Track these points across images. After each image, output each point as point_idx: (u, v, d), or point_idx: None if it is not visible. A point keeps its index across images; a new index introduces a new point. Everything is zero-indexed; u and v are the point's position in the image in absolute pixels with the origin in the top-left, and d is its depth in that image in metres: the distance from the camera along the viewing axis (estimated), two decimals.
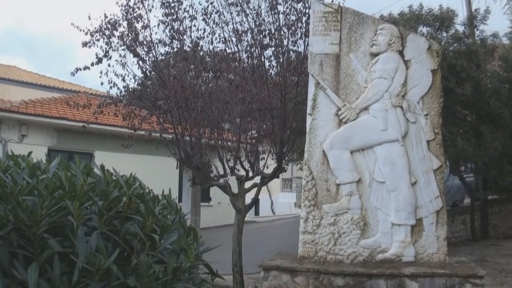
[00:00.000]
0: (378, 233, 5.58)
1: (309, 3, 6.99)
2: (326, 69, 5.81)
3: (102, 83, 9.05)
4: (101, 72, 9.01)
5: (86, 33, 8.72)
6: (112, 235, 2.21)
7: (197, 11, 8.43)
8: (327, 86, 5.76)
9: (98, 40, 8.68)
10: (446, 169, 13.38)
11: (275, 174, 8.13)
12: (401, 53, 5.78)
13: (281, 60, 7.58)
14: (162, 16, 8.53)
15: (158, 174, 14.30)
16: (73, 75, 8.97)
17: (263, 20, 7.77)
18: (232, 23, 8.07)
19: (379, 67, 5.69)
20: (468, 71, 9.97)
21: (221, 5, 8.15)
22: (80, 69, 8.89)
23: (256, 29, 7.69)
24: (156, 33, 10.38)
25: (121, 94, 9.40)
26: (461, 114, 11.30)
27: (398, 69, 5.70)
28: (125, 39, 8.63)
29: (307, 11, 7.39)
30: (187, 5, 8.48)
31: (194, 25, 8.61)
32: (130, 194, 2.49)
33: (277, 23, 7.50)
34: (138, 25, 8.64)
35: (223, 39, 8.32)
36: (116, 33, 8.65)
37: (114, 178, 2.65)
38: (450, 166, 14.54)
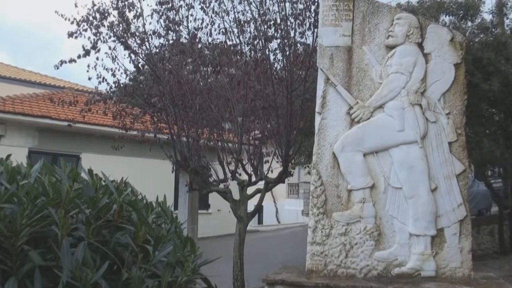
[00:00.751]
0: (394, 245, 5.56)
1: None
2: (337, 63, 5.82)
3: (89, 78, 9.13)
4: (88, 66, 9.08)
5: (72, 23, 8.76)
6: (101, 247, 2.23)
7: None
8: (338, 82, 5.77)
9: (86, 30, 8.72)
10: (471, 174, 13.36)
11: (280, 178, 8.17)
12: (420, 45, 5.76)
13: (287, 53, 7.61)
14: (156, 4, 8.58)
15: (152, 178, 14.38)
16: (57, 68, 9.03)
17: (268, 9, 7.81)
18: (234, 12, 8.13)
19: (395, 61, 5.69)
20: (496, 64, 9.92)
21: None
22: (65, 62, 8.94)
23: (260, 19, 7.72)
24: (149, 23, 10.39)
25: (111, 90, 9.46)
26: (487, 112, 11.26)
27: (416, 63, 5.69)
28: (115, 30, 8.67)
29: None
30: None
31: (192, 15, 8.67)
32: (121, 201, 2.51)
33: (283, 12, 7.53)
34: (130, 15, 8.69)
35: (224, 30, 8.36)
36: (106, 23, 8.70)
37: (103, 183, 2.66)
38: (475, 171, 14.50)
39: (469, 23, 10.91)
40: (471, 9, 10.72)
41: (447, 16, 10.86)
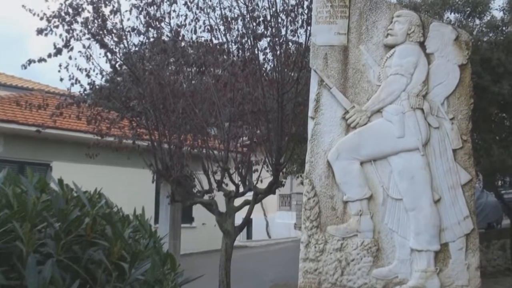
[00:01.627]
0: (394, 261, 5.58)
1: None
2: (332, 63, 5.85)
3: (61, 79, 9.12)
4: (60, 66, 9.07)
5: (42, 18, 8.75)
6: (71, 264, 2.22)
7: None
8: (332, 84, 5.80)
9: (57, 27, 8.72)
10: (479, 183, 13.44)
11: (270, 189, 8.20)
12: (422, 44, 5.79)
13: (278, 52, 7.65)
14: None
15: (130, 189, 14.34)
16: (25, 68, 8.97)
17: (257, 5, 7.86)
18: (220, 8, 8.17)
19: (395, 62, 5.72)
20: (507, 65, 9.96)
21: None
22: (34, 62, 8.90)
23: (248, 15, 7.76)
24: (128, 19, 10.45)
25: (85, 92, 9.46)
26: (497, 117, 11.33)
27: (418, 64, 5.73)
28: (90, 26, 8.68)
29: None
30: None
31: (174, 11, 8.72)
32: (94, 214, 2.51)
33: (273, 9, 7.59)
34: (106, 10, 8.72)
35: (209, 27, 8.41)
36: (79, 19, 8.70)
37: (75, 194, 2.67)
38: (484, 180, 14.56)
39: (477, 21, 10.98)
40: (479, 6, 10.78)
41: (452, 14, 10.94)
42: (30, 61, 8.96)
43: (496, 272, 13.04)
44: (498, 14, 11.28)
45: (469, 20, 10.87)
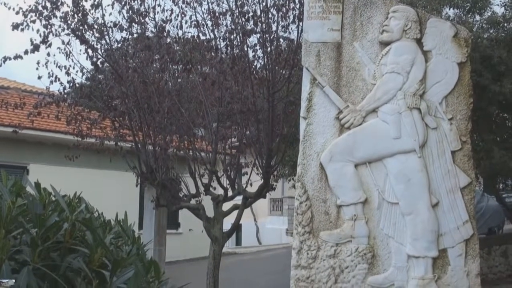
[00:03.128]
0: (390, 268, 5.60)
1: None
2: (325, 61, 5.86)
3: (39, 77, 9.07)
4: (38, 63, 9.03)
5: (17, 13, 8.71)
6: (49, 272, 2.22)
7: None
8: (325, 82, 5.81)
9: (34, 21, 8.68)
10: (479, 187, 13.52)
11: (261, 193, 8.21)
12: (419, 41, 5.82)
13: (268, 49, 7.66)
14: None
15: (112, 193, 14.31)
16: (0, 65, 8.95)
17: None
18: (207, 3, 8.17)
19: (391, 59, 5.74)
20: (508, 63, 10.00)
21: None
22: (10, 59, 8.87)
23: (237, 10, 7.77)
24: (110, 14, 10.37)
25: (65, 91, 9.42)
26: (498, 117, 11.39)
27: (415, 62, 5.75)
28: (69, 21, 8.65)
29: None
30: None
31: (159, 5, 8.73)
32: (74, 219, 2.52)
33: (263, 3, 7.60)
34: (87, 4, 8.70)
35: (196, 22, 8.39)
36: (58, 14, 8.67)
37: (53, 198, 2.67)
38: (484, 184, 14.67)
39: (477, 17, 11.03)
40: (479, 1, 10.81)
41: (451, 9, 10.98)
42: (6, 58, 8.92)
43: (498, 279, 13.09)
44: (500, 10, 11.34)
45: (469, 16, 10.93)
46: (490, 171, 11.54)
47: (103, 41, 8.88)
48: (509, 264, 13.83)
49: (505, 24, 10.96)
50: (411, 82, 5.71)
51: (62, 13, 8.64)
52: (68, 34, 8.80)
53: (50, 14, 8.61)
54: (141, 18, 8.62)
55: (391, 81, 5.71)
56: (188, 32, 8.70)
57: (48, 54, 8.91)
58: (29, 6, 8.62)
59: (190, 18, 8.50)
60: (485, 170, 11.23)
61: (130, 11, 8.58)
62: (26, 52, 8.61)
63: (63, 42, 8.94)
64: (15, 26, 8.65)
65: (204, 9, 8.29)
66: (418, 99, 5.71)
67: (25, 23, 8.66)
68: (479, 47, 9.62)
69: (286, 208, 27.52)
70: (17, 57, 8.71)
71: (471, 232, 5.64)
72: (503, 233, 17.78)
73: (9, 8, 8.75)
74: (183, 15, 8.57)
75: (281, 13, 7.70)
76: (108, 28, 8.78)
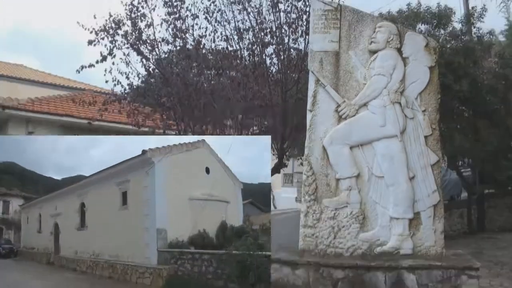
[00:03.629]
0: (377, 227, 5.59)
1: (309, 1, 6.98)
2: (326, 66, 5.79)
3: (106, 81, 9.07)
4: (105, 70, 9.01)
5: (91, 32, 8.72)
6: None
7: (199, 9, 8.45)
8: (327, 83, 5.75)
9: (103, 38, 8.69)
10: (444, 164, 13.35)
11: (277, 169, 8.15)
12: (399, 50, 5.75)
13: (282, 57, 7.59)
14: (165, 15, 8.53)
15: None
16: (78, 72, 9.00)
17: (264, 18, 7.79)
18: (234, 21, 8.09)
19: (377, 64, 5.67)
20: (465, 68, 9.92)
21: (223, 4, 8.19)
22: (85, 67, 8.89)
23: (257, 27, 7.70)
24: (159, 31, 10.34)
25: (125, 91, 9.40)
26: (458, 110, 11.24)
27: (396, 66, 5.68)
28: (129, 38, 8.63)
29: (307, 9, 7.39)
30: (189, 4, 8.52)
31: (196, 24, 8.63)
32: None
33: (278, 21, 7.52)
34: (142, 24, 8.65)
35: (225, 37, 8.33)
36: (120, 32, 8.66)
37: None
38: (448, 161, 14.48)
39: (442, 31, 10.87)
40: (443, 19, 10.71)
41: (422, 25, 10.82)
42: (82, 67, 8.94)
43: (456, 235, 13.00)
44: (458, 25, 11.16)
45: (436, 30, 10.76)
46: (452, 151, 11.43)
47: (154, 53, 8.84)
48: (464, 223, 13.74)
49: (462, 37, 10.84)
50: (393, 82, 5.66)
51: (123, 31, 8.63)
52: (127, 48, 8.79)
53: (114, 32, 8.60)
54: (182, 34, 8.56)
55: (378, 82, 5.66)
56: (219, 45, 8.64)
57: (113, 63, 8.90)
58: (99, 27, 8.63)
59: (221, 33, 8.44)
60: (449, 150, 11.11)
61: (174, 29, 8.53)
62: (97, 62, 8.64)
63: (124, 54, 8.92)
64: (90, 42, 8.68)
65: (232, 26, 8.23)
66: (399, 95, 5.65)
67: (96, 40, 8.67)
68: (444, 55, 9.48)
69: (296, 181, 27.50)
70: (90, 65, 8.74)
71: (438, 199, 5.65)
72: (460, 199, 17.62)
73: (85, 29, 8.74)
74: (215, 32, 8.51)
75: (291, 29, 7.62)
76: (157, 43, 8.73)
